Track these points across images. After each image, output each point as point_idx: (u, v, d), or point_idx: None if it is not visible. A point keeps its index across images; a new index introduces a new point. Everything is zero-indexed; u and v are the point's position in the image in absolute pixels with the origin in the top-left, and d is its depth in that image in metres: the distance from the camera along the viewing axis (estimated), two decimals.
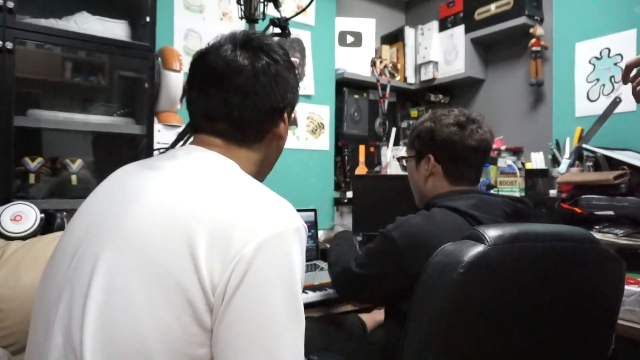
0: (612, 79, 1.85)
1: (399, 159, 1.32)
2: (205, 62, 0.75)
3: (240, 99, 0.72)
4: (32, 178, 1.41)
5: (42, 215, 1.23)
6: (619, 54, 1.82)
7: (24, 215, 1.20)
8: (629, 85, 1.14)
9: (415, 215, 1.06)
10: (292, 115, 0.84)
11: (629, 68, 1.09)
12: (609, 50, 1.85)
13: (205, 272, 0.56)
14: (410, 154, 1.24)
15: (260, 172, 0.80)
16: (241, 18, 1.32)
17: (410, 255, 0.98)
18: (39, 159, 1.42)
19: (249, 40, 0.76)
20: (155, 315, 0.56)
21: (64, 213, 1.32)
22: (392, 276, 1.03)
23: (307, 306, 1.55)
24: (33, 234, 1.19)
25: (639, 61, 1.08)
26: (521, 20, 2.09)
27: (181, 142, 0.85)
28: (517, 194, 1.95)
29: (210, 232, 0.58)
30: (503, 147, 2.19)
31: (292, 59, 0.96)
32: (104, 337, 0.56)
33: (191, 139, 0.79)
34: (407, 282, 0.92)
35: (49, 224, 1.27)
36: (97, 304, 0.58)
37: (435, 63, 2.51)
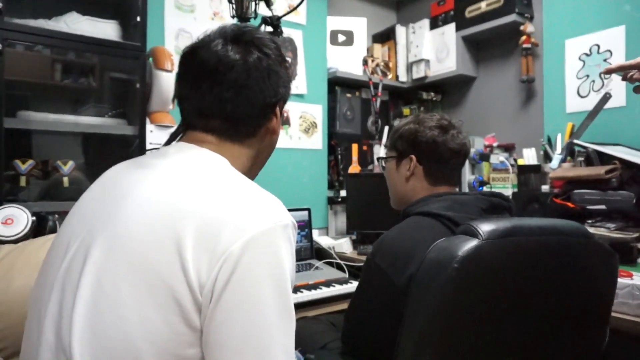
0: (602, 75, 1.86)
1: (379, 159, 1.31)
2: (197, 57, 0.73)
3: (234, 94, 0.71)
4: (22, 181, 1.40)
5: (34, 218, 1.22)
6: (609, 50, 1.84)
7: (15, 218, 1.19)
8: (619, 80, 1.17)
9: (389, 231, 1.05)
10: (285, 115, 0.83)
11: (620, 68, 1.14)
12: (598, 46, 1.87)
13: (192, 270, 0.55)
14: (391, 154, 1.24)
15: (254, 168, 0.80)
16: (233, 17, 1.31)
17: (395, 271, 0.96)
18: (30, 162, 1.41)
19: (240, 34, 0.74)
20: (142, 314, 0.55)
21: (56, 216, 1.30)
22: (390, 303, 0.96)
23: (303, 305, 1.55)
24: (25, 237, 1.18)
25: (633, 66, 1.12)
26: (511, 17, 2.10)
27: (175, 141, 0.85)
28: (510, 190, 1.97)
29: (198, 230, 0.57)
30: (495, 144, 2.20)
31: None
32: (92, 336, 0.56)
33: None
34: (400, 302, 0.90)
35: (40, 227, 1.26)
36: (85, 303, 0.57)
37: (427, 61, 2.52)
